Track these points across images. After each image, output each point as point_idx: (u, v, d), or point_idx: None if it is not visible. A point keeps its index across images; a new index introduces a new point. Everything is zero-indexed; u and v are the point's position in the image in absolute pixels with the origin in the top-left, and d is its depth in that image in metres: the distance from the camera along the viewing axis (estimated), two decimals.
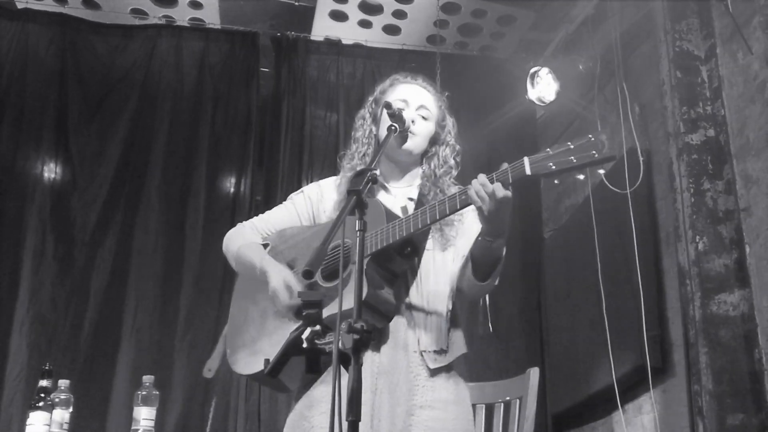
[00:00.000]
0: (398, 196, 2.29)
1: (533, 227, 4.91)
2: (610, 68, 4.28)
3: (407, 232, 2.01)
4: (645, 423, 3.78)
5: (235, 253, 2.32)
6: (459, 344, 2.18)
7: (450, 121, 2.37)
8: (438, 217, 1.99)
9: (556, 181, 1.87)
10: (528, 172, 1.84)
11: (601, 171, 1.80)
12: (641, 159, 3.92)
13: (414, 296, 2.14)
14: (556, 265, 4.71)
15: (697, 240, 3.43)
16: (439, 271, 2.18)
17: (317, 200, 2.36)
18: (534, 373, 2.61)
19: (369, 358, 2.07)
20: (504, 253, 2.06)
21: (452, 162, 2.32)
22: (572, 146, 1.80)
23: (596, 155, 1.77)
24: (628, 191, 3.88)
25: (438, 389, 2.10)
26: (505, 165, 1.89)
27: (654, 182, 3.98)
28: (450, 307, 2.17)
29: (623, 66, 4.19)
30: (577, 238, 4.45)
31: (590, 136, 1.80)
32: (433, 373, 2.10)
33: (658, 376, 3.67)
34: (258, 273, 2.19)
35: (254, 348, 2.19)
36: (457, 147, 2.35)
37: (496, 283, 2.16)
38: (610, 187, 4.02)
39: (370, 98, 2.42)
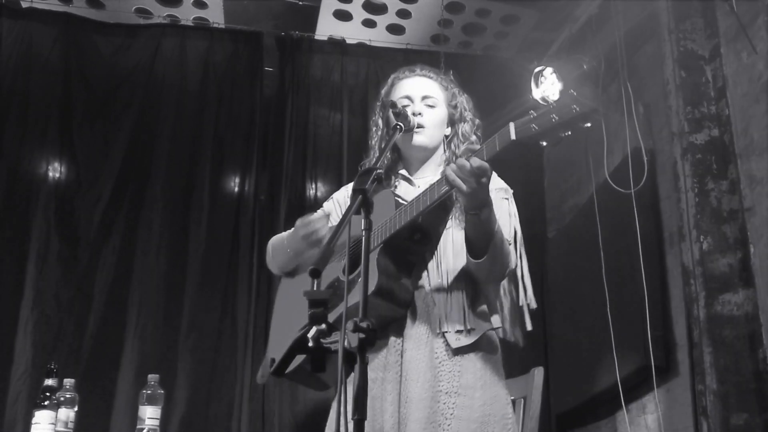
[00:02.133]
0: (422, 186, 2.26)
1: (537, 227, 4.91)
2: (614, 68, 4.27)
3: (411, 217, 2.02)
4: (649, 423, 3.78)
5: (270, 248, 2.41)
6: (483, 321, 2.14)
7: (462, 98, 2.37)
8: (436, 197, 1.99)
9: (543, 143, 1.86)
10: (513, 136, 1.84)
11: (588, 125, 1.79)
12: (645, 158, 3.92)
13: (434, 278, 2.13)
14: (559, 265, 4.71)
15: (702, 240, 3.43)
16: (458, 249, 2.15)
17: (344, 202, 2.39)
18: (538, 372, 2.62)
19: (393, 346, 2.07)
20: (495, 227, 2.03)
21: (473, 137, 2.31)
22: (554, 104, 1.80)
23: (577, 109, 1.77)
24: (632, 191, 3.88)
25: (464, 373, 2.07)
26: (475, 146, 1.91)
27: (658, 182, 3.98)
28: (472, 283, 2.14)
29: (627, 65, 4.19)
30: (580, 238, 4.44)
31: (571, 90, 1.80)
32: (456, 352, 2.07)
33: (662, 375, 3.66)
34: (285, 245, 2.30)
35: (281, 347, 2.19)
36: (477, 121, 2.35)
37: (509, 264, 2.12)
38: (614, 186, 4.01)
39: (378, 104, 2.42)
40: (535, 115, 1.83)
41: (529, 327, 2.22)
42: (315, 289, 2.20)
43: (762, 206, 3.23)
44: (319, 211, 2.45)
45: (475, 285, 2.15)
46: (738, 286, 3.35)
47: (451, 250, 2.16)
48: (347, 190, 2.44)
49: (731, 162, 3.46)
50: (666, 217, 3.90)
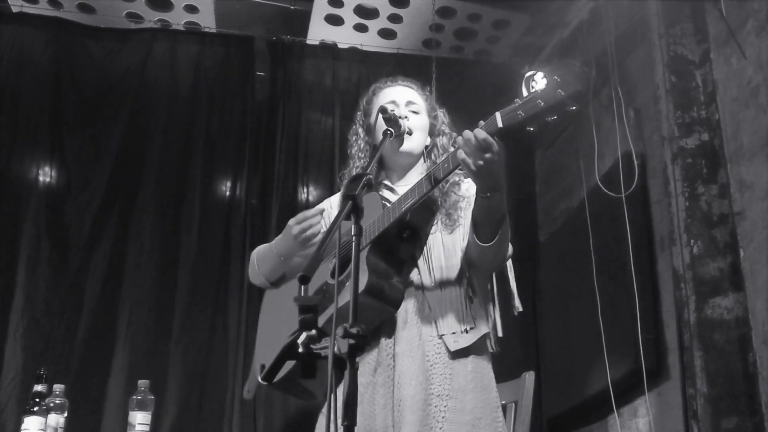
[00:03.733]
0: None
1: (528, 231, 4.91)
2: (604, 72, 4.29)
3: (399, 212, 2.02)
4: (640, 426, 3.79)
5: (254, 260, 2.40)
6: (482, 323, 2.14)
7: (440, 111, 2.40)
8: (425, 190, 1.99)
9: (530, 129, 1.87)
10: (500, 124, 1.85)
11: (573, 108, 1.80)
12: (636, 163, 3.93)
13: (426, 279, 2.13)
14: (551, 269, 4.72)
15: (692, 244, 3.44)
16: (450, 251, 2.16)
17: (327, 214, 2.38)
18: (529, 376, 2.62)
19: (384, 348, 2.07)
20: (506, 210, 2.03)
21: (451, 149, 2.33)
22: (539, 91, 1.82)
23: (562, 93, 1.78)
24: (623, 195, 3.89)
25: (456, 377, 2.07)
26: (481, 122, 1.90)
27: (649, 186, 3.99)
28: (467, 284, 2.14)
29: (618, 70, 4.21)
30: (572, 242, 4.45)
31: (556, 77, 1.81)
32: (454, 356, 2.07)
33: (653, 379, 3.67)
34: (274, 249, 2.29)
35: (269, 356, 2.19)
36: (454, 134, 2.37)
37: (509, 251, 2.14)
38: (605, 191, 4.03)
39: (358, 113, 2.44)
40: (520, 102, 1.84)
41: (500, 333, 2.22)
42: (303, 294, 2.20)
43: (752, 210, 3.24)
44: (315, 208, 2.45)
45: (468, 285, 2.15)
46: (728, 290, 3.36)
47: (442, 251, 2.16)
48: (330, 202, 2.46)
49: (721, 166, 3.48)
50: (656, 221, 3.91)
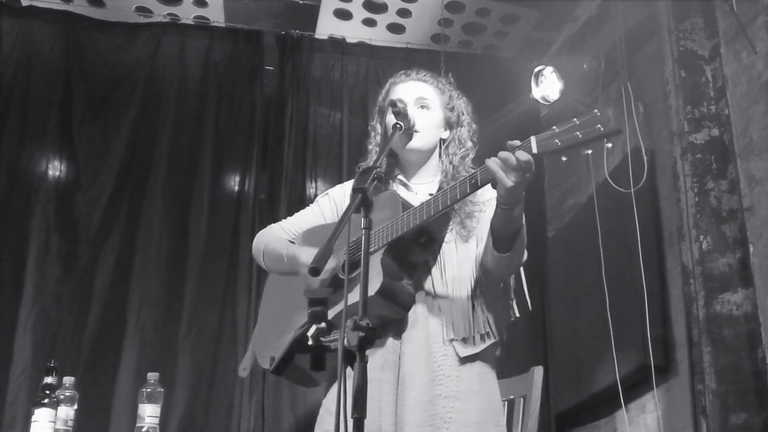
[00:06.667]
0: (419, 192, 2.28)
1: (537, 226, 4.90)
2: (614, 67, 4.28)
3: (420, 220, 2.02)
4: (648, 422, 3.79)
5: (263, 249, 2.39)
6: (489, 332, 2.14)
7: (460, 101, 2.36)
8: (449, 202, 1.99)
9: (563, 158, 1.87)
10: (535, 150, 1.85)
11: (609, 145, 1.79)
12: (645, 158, 3.93)
13: (438, 285, 2.13)
14: (559, 264, 4.72)
15: (701, 239, 3.44)
16: (463, 261, 2.16)
17: (340, 201, 2.38)
18: (538, 371, 2.62)
19: (391, 347, 2.08)
20: (524, 221, 2.04)
21: (469, 143, 2.32)
22: (578, 122, 1.80)
23: (602, 129, 1.78)
24: (632, 190, 3.89)
25: (463, 379, 2.08)
26: (516, 142, 1.89)
27: (658, 181, 3.99)
28: (477, 293, 2.15)
29: (627, 65, 4.19)
30: (580, 237, 4.45)
31: (596, 110, 1.80)
32: (463, 361, 2.08)
33: (662, 375, 3.67)
34: (286, 261, 2.25)
35: (276, 344, 2.20)
36: (474, 126, 2.36)
37: (524, 258, 2.13)
38: (614, 186, 4.02)
39: (376, 109, 2.43)
40: (558, 130, 1.82)
41: (504, 337, 2.23)
42: (313, 287, 2.21)
43: (761, 206, 3.23)
44: (312, 206, 2.45)
45: (479, 294, 2.16)
46: (737, 285, 3.36)
47: (456, 258, 2.16)
48: (344, 188, 2.43)
49: (731, 162, 3.47)
50: (666, 216, 3.90)
